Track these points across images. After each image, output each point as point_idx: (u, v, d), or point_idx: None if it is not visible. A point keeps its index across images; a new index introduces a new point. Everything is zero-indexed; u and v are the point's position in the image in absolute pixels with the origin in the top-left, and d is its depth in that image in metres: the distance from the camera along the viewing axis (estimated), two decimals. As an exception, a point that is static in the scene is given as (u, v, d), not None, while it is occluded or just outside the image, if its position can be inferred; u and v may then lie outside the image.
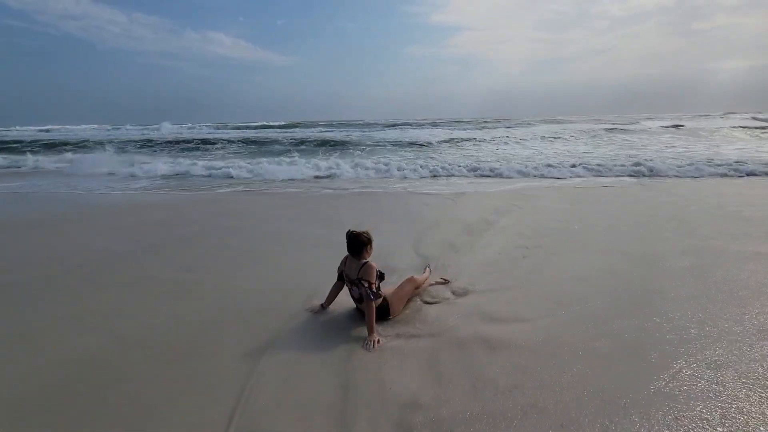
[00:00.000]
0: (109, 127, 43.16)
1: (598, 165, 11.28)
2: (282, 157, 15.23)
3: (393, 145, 19.63)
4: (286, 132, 29.58)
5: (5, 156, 16.91)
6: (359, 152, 17.57)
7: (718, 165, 10.64)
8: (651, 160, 12.05)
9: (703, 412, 2.07)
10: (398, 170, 11.51)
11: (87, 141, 24.20)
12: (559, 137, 21.91)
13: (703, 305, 3.20)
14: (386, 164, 12.34)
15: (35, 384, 2.43)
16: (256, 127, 38.90)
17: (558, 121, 41.60)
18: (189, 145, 21.73)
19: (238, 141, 22.47)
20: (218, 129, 36.90)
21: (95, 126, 47.95)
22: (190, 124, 47.45)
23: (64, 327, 3.09)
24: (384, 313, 3.08)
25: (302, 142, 21.33)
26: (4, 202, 8.47)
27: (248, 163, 12.82)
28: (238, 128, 38.23)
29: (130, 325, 3.10)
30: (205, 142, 22.50)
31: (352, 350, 2.73)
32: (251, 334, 2.93)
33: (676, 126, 27.91)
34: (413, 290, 3.39)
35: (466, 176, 10.88)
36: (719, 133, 22.06)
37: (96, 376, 2.49)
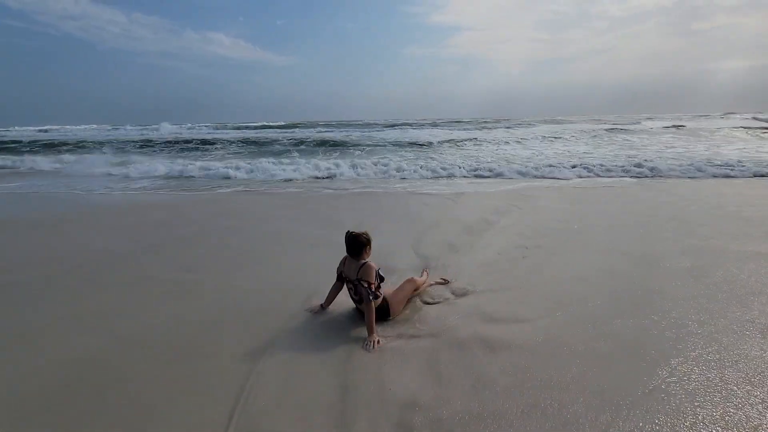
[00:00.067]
0: (109, 128, 43.15)
1: (598, 165, 11.29)
2: (282, 158, 15.23)
3: (393, 145, 19.63)
4: (286, 132, 29.58)
5: (3, 156, 16.92)
6: (359, 152, 17.57)
7: (719, 165, 10.64)
8: (651, 160, 12.07)
9: (704, 412, 2.07)
10: (398, 170, 11.51)
11: (85, 141, 24.20)
12: (560, 137, 21.91)
13: (703, 305, 3.20)
14: (386, 164, 12.34)
15: (35, 384, 2.43)
16: (256, 128, 38.91)
17: (558, 121, 41.62)
18: (189, 145, 21.73)
19: (238, 141, 22.45)
20: (218, 129, 36.91)
21: (95, 126, 47.94)
22: (189, 124, 47.45)
23: (64, 327, 3.09)
24: (384, 314, 3.08)
25: (302, 142, 21.32)
26: (4, 202, 8.47)
27: (248, 164, 12.81)
28: (238, 128, 38.25)
29: (130, 325, 3.10)
30: (204, 142, 22.48)
31: (352, 350, 2.73)
32: (251, 334, 2.93)
33: (677, 126, 27.91)
34: (413, 291, 3.39)
35: (466, 176, 10.87)
36: (721, 134, 22.01)
37: (96, 376, 2.49)
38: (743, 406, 2.11)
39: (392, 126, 35.23)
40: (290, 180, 10.92)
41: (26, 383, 2.44)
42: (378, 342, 2.78)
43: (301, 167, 12.04)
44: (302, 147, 19.80)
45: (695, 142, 18.52)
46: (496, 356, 2.61)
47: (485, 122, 38.99)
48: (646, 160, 11.87)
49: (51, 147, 21.82)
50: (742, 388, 2.24)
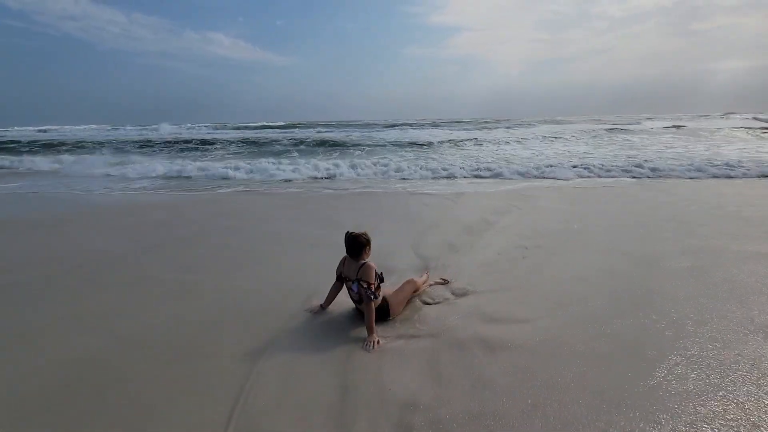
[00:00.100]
0: (109, 128, 43.13)
1: (599, 165, 11.29)
2: (282, 158, 15.23)
3: (393, 145, 19.62)
4: (285, 132, 29.56)
5: (2, 156, 16.91)
6: (359, 152, 17.58)
7: (719, 165, 10.64)
8: (651, 160, 12.07)
9: (704, 412, 2.07)
10: (398, 170, 11.51)
11: (84, 141, 24.19)
12: (560, 137, 21.91)
13: (703, 305, 3.20)
14: (386, 164, 12.34)
15: (35, 384, 2.43)
16: (255, 128, 38.89)
17: (558, 121, 41.60)
18: (188, 145, 21.72)
19: (238, 141, 22.45)
20: (217, 129, 36.90)
21: (94, 126, 47.92)
22: (189, 125, 47.43)
23: (64, 327, 3.09)
24: (384, 314, 3.08)
25: (302, 142, 21.30)
26: (4, 202, 8.47)
27: (248, 164, 12.82)
28: (238, 128, 38.24)
29: (130, 325, 3.10)
30: (204, 142, 22.46)
31: (352, 351, 2.73)
32: (251, 334, 2.93)
33: (677, 126, 27.90)
34: (413, 292, 3.39)
35: (466, 176, 10.88)
36: (721, 134, 21.97)
37: (96, 376, 2.49)
38: (745, 406, 2.11)
39: (392, 126, 35.21)
40: (290, 180, 10.93)
41: (26, 383, 2.44)
42: (378, 342, 2.78)
43: (301, 167, 12.04)
44: (302, 147, 19.78)
45: (695, 142, 18.52)
46: (496, 356, 2.61)
47: (485, 122, 38.99)
48: (646, 161, 11.88)
49: (50, 147, 21.81)
50: (743, 388, 2.24)
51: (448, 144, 19.88)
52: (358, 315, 3.14)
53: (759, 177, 9.64)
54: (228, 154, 18.65)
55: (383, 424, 2.06)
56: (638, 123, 32.72)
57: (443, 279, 3.81)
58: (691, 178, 9.82)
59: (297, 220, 6.33)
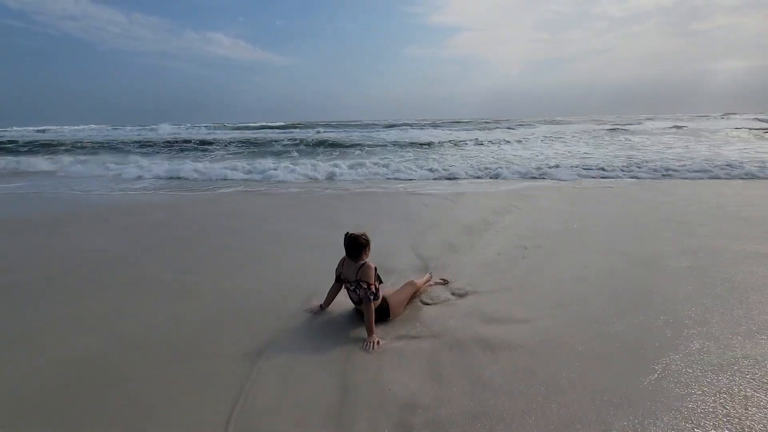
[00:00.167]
0: (109, 128, 43.12)
1: (599, 165, 11.30)
2: (282, 158, 15.23)
3: (393, 145, 19.64)
4: (285, 132, 29.57)
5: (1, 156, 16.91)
6: (359, 152, 17.58)
7: (718, 165, 10.64)
8: (652, 160, 12.07)
9: (705, 412, 2.07)
10: (398, 170, 11.52)
11: (84, 141, 24.18)
12: (560, 138, 21.92)
13: (703, 305, 3.20)
14: (386, 165, 12.35)
15: (35, 384, 2.43)
16: (255, 128, 38.89)
17: (558, 121, 41.60)
18: (188, 145, 21.72)
19: (238, 141, 22.46)
20: (217, 129, 36.90)
21: (94, 126, 47.88)
22: (189, 125, 47.41)
23: (64, 327, 3.09)
24: (383, 315, 3.08)
25: (302, 142, 21.32)
26: (4, 202, 8.48)
27: (248, 164, 12.82)
28: (238, 129, 38.23)
29: (130, 325, 3.10)
30: (204, 142, 22.46)
31: (352, 351, 2.73)
32: (251, 334, 2.93)
33: (678, 127, 27.88)
34: (413, 292, 3.39)
35: (466, 176, 10.88)
36: (723, 135, 21.90)
37: (96, 376, 2.49)
38: (745, 405, 2.11)
39: (392, 126, 35.21)
40: (290, 180, 10.93)
41: (26, 383, 2.44)
42: (378, 342, 2.78)
43: (301, 167, 12.05)
44: (302, 147, 19.80)
45: (696, 142, 18.50)
46: (496, 357, 2.61)
47: (485, 123, 38.99)
48: (646, 161, 11.88)
49: (49, 147, 21.80)
50: (743, 388, 2.24)
51: (448, 144, 19.89)
52: (358, 315, 3.14)
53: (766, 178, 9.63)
54: (228, 154, 18.66)
55: (383, 424, 2.06)
56: (639, 123, 32.72)
57: (443, 279, 3.81)
58: (691, 178, 9.82)
59: (297, 220, 6.33)
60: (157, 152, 19.75)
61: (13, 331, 3.06)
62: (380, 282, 3.06)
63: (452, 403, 2.19)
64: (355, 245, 3.02)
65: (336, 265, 3.23)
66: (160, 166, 13.01)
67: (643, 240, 4.89)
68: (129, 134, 31.24)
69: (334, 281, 3.26)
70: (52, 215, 7.04)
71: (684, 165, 10.99)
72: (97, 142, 23.74)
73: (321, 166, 12.22)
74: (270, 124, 46.98)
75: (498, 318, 3.10)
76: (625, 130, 25.79)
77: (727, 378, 2.33)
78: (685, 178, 9.80)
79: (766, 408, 2.09)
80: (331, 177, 11.23)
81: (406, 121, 43.13)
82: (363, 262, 3.02)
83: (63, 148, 21.40)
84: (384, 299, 3.08)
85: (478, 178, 10.75)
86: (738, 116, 42.04)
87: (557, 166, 11.45)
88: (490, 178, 10.69)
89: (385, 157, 14.95)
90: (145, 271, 4.25)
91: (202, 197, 8.72)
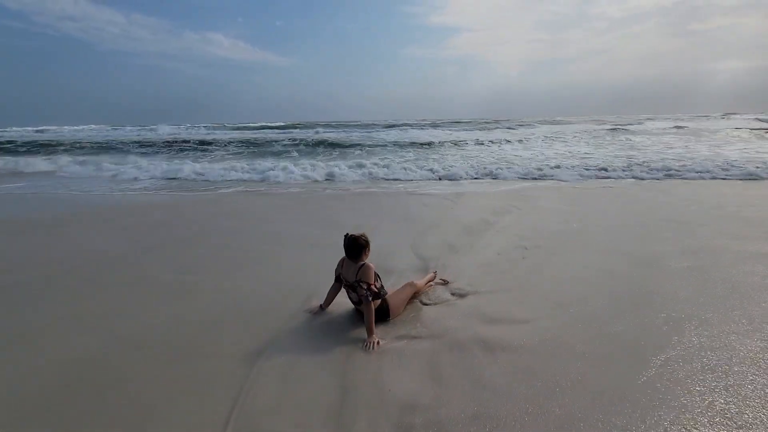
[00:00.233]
0: (108, 128, 43.10)
1: (599, 165, 11.29)
2: (282, 158, 15.22)
3: (393, 145, 19.63)
4: (285, 132, 29.56)
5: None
6: (359, 152, 17.58)
7: (719, 165, 10.64)
8: (652, 161, 12.06)
9: (705, 412, 2.07)
10: (398, 171, 11.52)
11: (83, 142, 24.16)
12: (560, 138, 21.92)
13: (703, 305, 3.20)
14: (386, 165, 12.35)
15: (35, 384, 2.43)
16: (255, 128, 38.88)
17: (558, 121, 41.59)
18: (188, 145, 21.72)
19: (238, 142, 22.44)
20: (217, 130, 36.89)
21: (93, 126, 47.83)
22: (188, 125, 47.38)
23: (64, 327, 3.09)
24: (383, 315, 3.08)
25: (302, 142, 21.31)
26: (4, 202, 8.47)
27: (248, 164, 12.82)
28: (238, 129, 38.21)
29: (130, 325, 3.10)
30: (204, 142, 22.45)
31: (352, 351, 2.73)
32: (251, 334, 2.93)
33: (679, 127, 27.86)
34: (413, 293, 3.39)
35: (466, 177, 10.88)
36: (724, 135, 21.89)
37: (96, 376, 2.49)
38: (746, 405, 2.11)
39: (392, 126, 35.19)
40: (290, 180, 10.92)
41: (26, 383, 2.44)
42: (377, 343, 2.78)
43: (301, 168, 12.05)
44: (302, 147, 19.79)
45: (696, 142, 18.49)
46: (496, 357, 2.61)
47: (485, 123, 38.97)
48: (646, 161, 11.87)
49: (48, 147, 21.77)
50: (743, 388, 2.24)
51: (448, 144, 19.89)
52: (358, 316, 3.14)
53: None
54: (228, 154, 18.66)
55: (383, 425, 2.06)
56: (640, 123, 32.70)
57: (443, 279, 3.81)
58: (691, 178, 9.82)
59: (297, 220, 6.33)
60: (157, 152, 19.74)
61: (13, 331, 3.06)
62: (380, 282, 3.05)
63: (452, 404, 2.19)
64: (355, 246, 3.02)
65: (335, 266, 3.23)
66: (159, 166, 13.00)
67: (644, 240, 4.89)
68: (128, 134, 31.22)
69: (333, 281, 3.26)
70: (51, 215, 7.04)
71: (684, 165, 10.98)
72: (97, 143, 23.71)
73: (321, 166, 12.22)
74: (270, 124, 46.96)
75: (498, 318, 3.10)
76: (625, 130, 25.79)
77: (727, 378, 2.33)
78: (686, 178, 9.80)
79: (766, 408, 2.09)
80: (331, 177, 11.23)
81: (406, 121, 43.11)
82: (362, 262, 3.02)
83: (62, 148, 21.38)
84: (384, 300, 3.08)
85: (478, 178, 10.73)
86: (738, 116, 42.01)
87: (558, 167, 11.44)
88: (491, 178, 10.68)
89: (385, 158, 14.95)
90: (145, 271, 4.25)
91: (201, 197, 8.72)
